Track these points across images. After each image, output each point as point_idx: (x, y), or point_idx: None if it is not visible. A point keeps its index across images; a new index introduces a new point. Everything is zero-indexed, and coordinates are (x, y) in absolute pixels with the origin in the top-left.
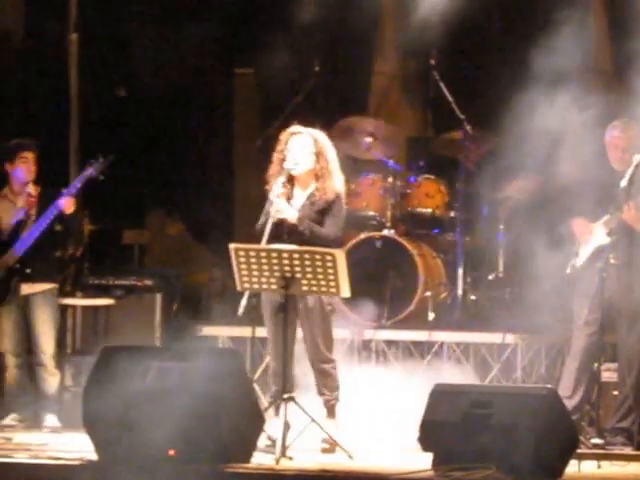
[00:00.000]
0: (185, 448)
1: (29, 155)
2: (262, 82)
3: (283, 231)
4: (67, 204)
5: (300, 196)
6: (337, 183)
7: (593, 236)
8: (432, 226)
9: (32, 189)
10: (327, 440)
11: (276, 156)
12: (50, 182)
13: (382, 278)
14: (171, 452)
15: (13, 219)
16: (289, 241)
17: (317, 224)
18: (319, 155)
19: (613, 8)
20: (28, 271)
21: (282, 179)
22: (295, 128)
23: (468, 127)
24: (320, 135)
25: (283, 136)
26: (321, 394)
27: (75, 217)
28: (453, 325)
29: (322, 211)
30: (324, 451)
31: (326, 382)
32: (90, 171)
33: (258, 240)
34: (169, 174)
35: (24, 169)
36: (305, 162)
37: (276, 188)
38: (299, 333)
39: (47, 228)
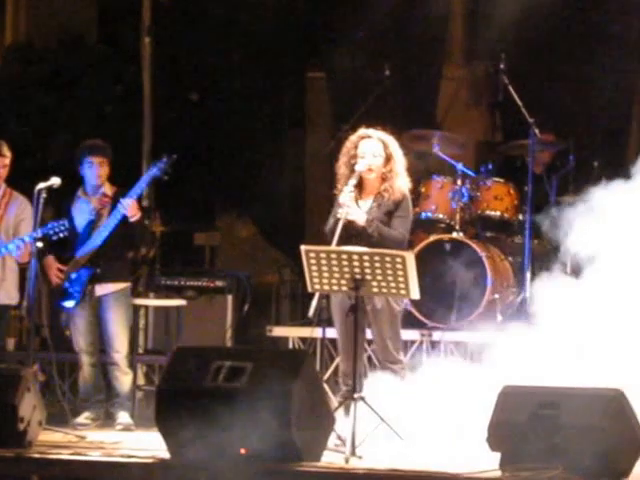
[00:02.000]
0: (256, 447)
1: (94, 159)
2: (333, 86)
3: (352, 233)
4: (131, 209)
5: (367, 198)
6: (403, 185)
7: None
8: (501, 229)
9: (108, 189)
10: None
11: (344, 159)
12: (123, 184)
13: (451, 280)
14: (242, 451)
15: (86, 220)
16: (358, 243)
17: (385, 226)
18: (388, 159)
19: None
20: (98, 270)
21: (353, 181)
22: (364, 131)
23: (537, 131)
24: (389, 139)
25: (352, 139)
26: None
27: (141, 222)
28: (521, 327)
29: (390, 212)
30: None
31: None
32: (154, 171)
33: (327, 242)
34: (240, 176)
35: (88, 173)
36: (376, 166)
37: (346, 191)
38: (368, 334)
39: (117, 229)
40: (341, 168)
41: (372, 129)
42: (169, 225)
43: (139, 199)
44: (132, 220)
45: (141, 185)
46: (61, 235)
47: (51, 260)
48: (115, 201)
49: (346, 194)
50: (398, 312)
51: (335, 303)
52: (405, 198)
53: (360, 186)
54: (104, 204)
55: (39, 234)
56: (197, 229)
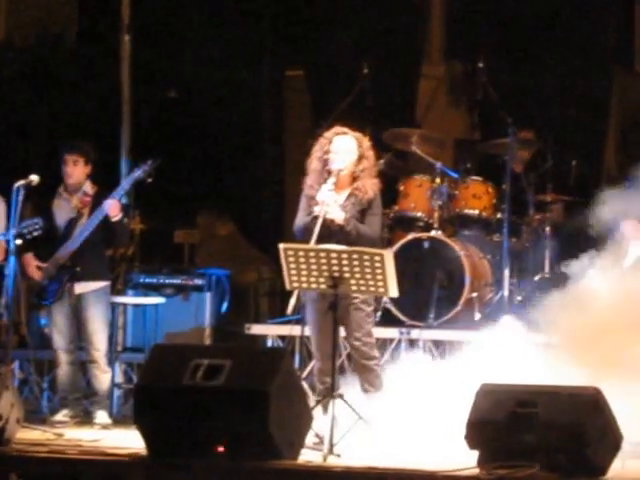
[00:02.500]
0: (234, 445)
1: (69, 158)
2: (312, 84)
3: (329, 231)
4: (113, 209)
5: (340, 196)
6: (375, 184)
7: None
8: (479, 227)
9: (89, 188)
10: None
11: (317, 154)
12: (102, 181)
13: (429, 278)
14: (220, 449)
15: (66, 218)
16: (335, 241)
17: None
18: (361, 157)
19: None
20: (78, 269)
21: (333, 179)
22: (339, 128)
23: (515, 130)
24: (363, 138)
25: (327, 135)
26: (365, 391)
27: (121, 221)
28: (499, 325)
29: (363, 211)
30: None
31: (370, 379)
32: (138, 173)
33: (298, 238)
34: (219, 174)
35: (66, 172)
36: (350, 163)
37: (326, 189)
38: (341, 332)
39: (97, 228)
40: (313, 163)
41: (349, 127)
42: (149, 223)
43: (120, 199)
44: (113, 220)
45: (124, 186)
46: (35, 234)
47: (30, 257)
48: (96, 200)
49: (325, 192)
50: (370, 310)
51: (309, 302)
52: (377, 196)
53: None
54: (85, 203)
55: (14, 232)
56: (177, 227)
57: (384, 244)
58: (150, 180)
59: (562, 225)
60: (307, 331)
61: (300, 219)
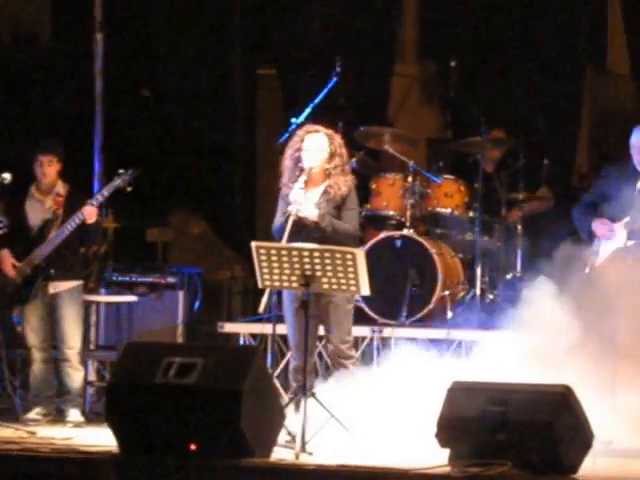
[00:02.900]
0: (207, 443)
1: (43, 158)
2: (284, 82)
3: (304, 229)
4: (90, 214)
5: (313, 194)
6: (349, 179)
7: (614, 236)
8: (451, 226)
9: (61, 188)
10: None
11: (289, 152)
12: (75, 180)
13: (401, 277)
14: (192, 447)
15: (40, 218)
16: (311, 239)
17: (335, 219)
18: (333, 154)
19: (630, 9)
20: (52, 271)
21: (304, 178)
22: (311, 127)
23: (487, 129)
24: (334, 135)
25: (299, 133)
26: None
27: (97, 226)
28: (471, 323)
29: (338, 207)
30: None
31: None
32: (118, 182)
33: (270, 236)
34: (192, 173)
35: (38, 172)
36: (320, 160)
37: (297, 187)
38: (320, 331)
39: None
40: (286, 161)
41: (321, 125)
42: (122, 221)
43: (99, 207)
44: (89, 222)
45: (104, 194)
46: (0, 232)
47: (5, 254)
48: (69, 200)
49: (297, 191)
50: (350, 308)
51: (286, 299)
52: (351, 191)
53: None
54: (59, 204)
55: None
56: (150, 225)
57: (357, 242)
58: (130, 189)
59: (534, 224)
60: (279, 329)
61: (277, 220)
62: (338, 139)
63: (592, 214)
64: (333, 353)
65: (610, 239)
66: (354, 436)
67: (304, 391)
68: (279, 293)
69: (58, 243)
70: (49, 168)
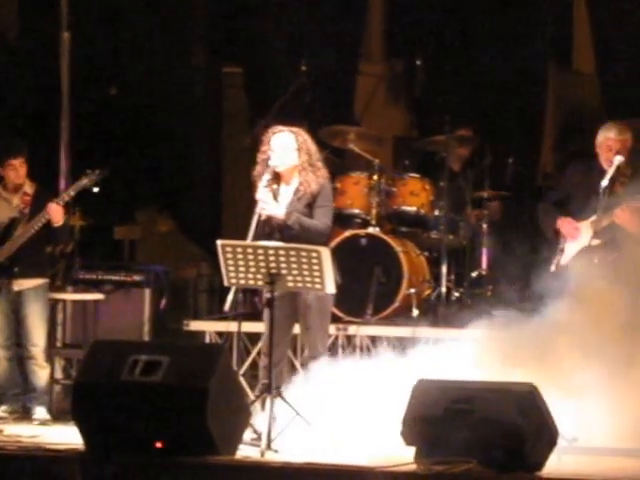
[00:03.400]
0: (172, 441)
1: (16, 162)
2: (250, 81)
3: (272, 228)
4: (55, 215)
5: (286, 193)
6: (320, 176)
7: (580, 235)
8: (417, 224)
9: (28, 187)
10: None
11: (260, 157)
12: (41, 179)
13: (367, 275)
14: (158, 444)
15: (7, 217)
16: (279, 237)
17: (307, 217)
18: (300, 150)
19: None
20: (16, 270)
21: (267, 177)
22: (276, 127)
23: (452, 127)
24: (301, 132)
25: (265, 137)
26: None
27: (64, 224)
28: (436, 322)
29: (309, 204)
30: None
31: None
32: (85, 182)
33: (243, 231)
34: (160, 171)
35: (11, 175)
36: (288, 159)
37: (261, 187)
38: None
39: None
40: (257, 166)
41: (285, 125)
42: (89, 219)
43: (63, 204)
44: (55, 225)
45: (70, 193)
46: None
47: None
48: (36, 198)
49: (261, 190)
50: (328, 307)
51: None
52: (323, 188)
53: (278, 181)
54: (26, 202)
55: None
56: (117, 223)
57: (328, 239)
58: (96, 189)
59: (499, 222)
60: (245, 327)
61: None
62: (304, 135)
63: (557, 212)
64: (307, 352)
65: (575, 238)
66: (320, 434)
67: (270, 389)
68: (245, 291)
69: (24, 241)
70: (21, 170)
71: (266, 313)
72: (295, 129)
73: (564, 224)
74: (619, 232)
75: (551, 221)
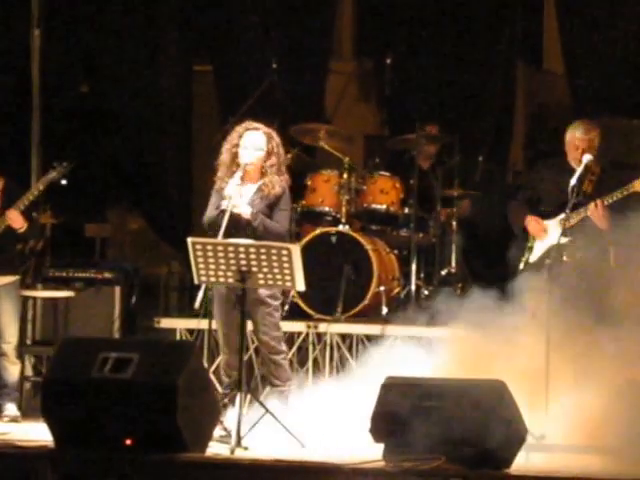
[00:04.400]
0: (141, 438)
1: None
2: (220, 79)
3: (237, 226)
4: (15, 222)
5: (248, 190)
6: (283, 179)
7: (548, 233)
8: (386, 222)
9: None
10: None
11: (228, 148)
12: (12, 175)
13: (337, 272)
14: (128, 441)
15: None
16: (244, 235)
17: (267, 218)
18: (270, 153)
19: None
20: None
21: (240, 174)
22: (251, 124)
23: (421, 125)
24: (273, 134)
25: (238, 129)
26: (273, 385)
27: (34, 222)
28: (406, 319)
29: (271, 206)
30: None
31: (277, 372)
32: (53, 175)
33: (206, 233)
34: (130, 169)
35: None
36: (258, 158)
37: (233, 183)
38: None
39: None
40: (223, 155)
41: (258, 123)
42: (59, 217)
43: (29, 206)
44: (19, 232)
45: (38, 187)
46: None
47: None
48: (5, 193)
49: (232, 186)
50: (279, 304)
51: (217, 295)
52: (285, 192)
53: (241, 178)
54: None
55: None
56: (87, 221)
57: (292, 238)
58: (64, 182)
59: (468, 220)
60: (215, 324)
61: (209, 212)
62: (276, 138)
63: (526, 210)
64: (263, 348)
65: (542, 237)
66: (289, 431)
67: (239, 386)
68: (215, 289)
69: None
70: None
71: (221, 311)
72: (268, 131)
73: (531, 223)
74: (588, 230)
75: (520, 219)
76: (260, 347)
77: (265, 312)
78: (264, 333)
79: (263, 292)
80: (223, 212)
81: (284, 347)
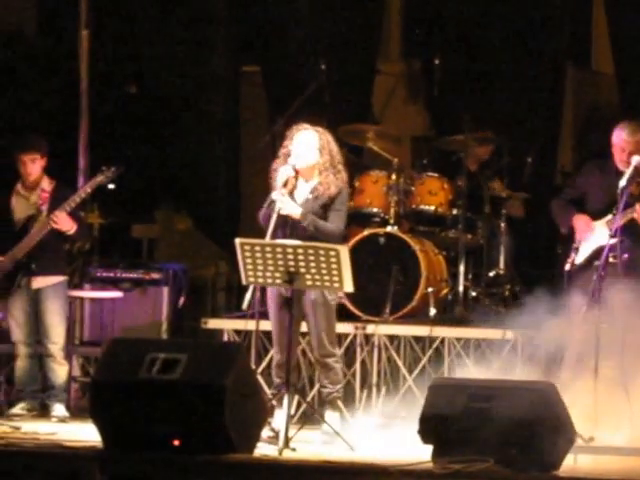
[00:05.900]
0: (189, 439)
1: (26, 157)
2: (269, 80)
3: (287, 226)
4: (63, 225)
5: (303, 189)
6: (340, 178)
7: (595, 234)
8: (435, 223)
9: (46, 184)
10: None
11: (282, 151)
12: (60, 177)
13: (385, 274)
14: (176, 442)
15: (25, 214)
16: (293, 236)
17: (321, 218)
18: (322, 150)
19: (613, 9)
20: (33, 266)
21: (286, 175)
22: (300, 125)
23: (471, 126)
24: (324, 131)
25: (289, 132)
26: (323, 387)
27: (82, 222)
28: (454, 321)
29: (325, 205)
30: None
31: (329, 375)
32: (100, 179)
33: (261, 229)
34: (178, 169)
35: (22, 170)
36: (309, 156)
37: (279, 185)
38: (303, 327)
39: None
40: (278, 158)
41: (308, 123)
42: (107, 217)
43: (76, 208)
44: (69, 234)
45: (86, 190)
46: None
47: None
48: (54, 195)
49: (280, 189)
50: (333, 304)
51: (270, 295)
52: (341, 191)
53: (296, 177)
54: (44, 199)
55: None
56: (135, 221)
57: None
58: (112, 186)
59: (518, 222)
60: (263, 325)
61: (263, 209)
62: (328, 136)
63: (573, 209)
64: (316, 350)
65: (587, 236)
66: (337, 432)
67: (287, 387)
68: (263, 289)
69: (40, 239)
70: (32, 166)
71: (274, 311)
72: (320, 129)
73: (579, 220)
74: (636, 231)
75: (566, 217)
76: (313, 349)
77: (321, 313)
78: (318, 335)
79: (318, 294)
80: (273, 203)
81: (337, 350)
